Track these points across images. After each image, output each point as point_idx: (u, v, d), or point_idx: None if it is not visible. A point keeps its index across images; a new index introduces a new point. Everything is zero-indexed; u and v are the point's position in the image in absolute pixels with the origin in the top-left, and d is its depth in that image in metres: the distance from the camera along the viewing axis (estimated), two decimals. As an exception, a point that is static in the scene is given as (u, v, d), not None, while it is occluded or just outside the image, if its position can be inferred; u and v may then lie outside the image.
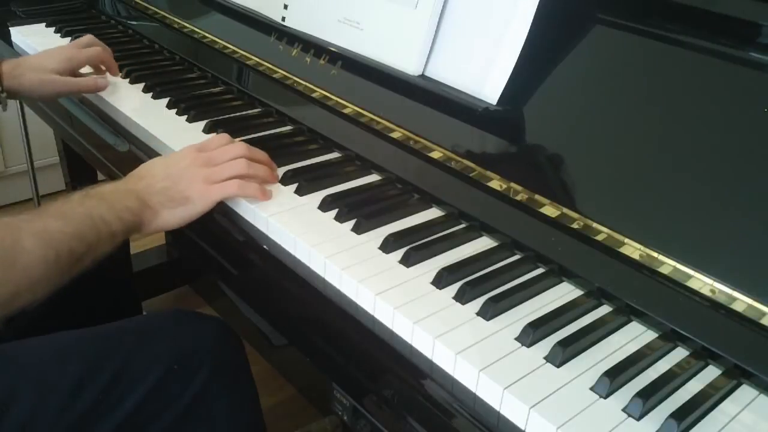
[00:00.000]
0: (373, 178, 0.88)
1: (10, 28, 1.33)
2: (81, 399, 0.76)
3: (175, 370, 0.82)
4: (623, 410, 0.56)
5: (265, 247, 0.77)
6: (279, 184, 0.84)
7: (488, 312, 0.64)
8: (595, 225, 0.69)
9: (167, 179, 0.79)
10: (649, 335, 0.64)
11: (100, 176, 1.67)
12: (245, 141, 0.92)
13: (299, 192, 0.82)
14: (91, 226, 0.72)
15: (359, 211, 0.78)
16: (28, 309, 0.68)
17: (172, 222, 0.79)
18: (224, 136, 0.86)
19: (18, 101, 1.82)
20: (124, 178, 0.81)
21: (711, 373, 0.60)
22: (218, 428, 0.86)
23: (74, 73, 1.06)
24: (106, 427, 0.78)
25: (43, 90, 1.03)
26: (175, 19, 1.24)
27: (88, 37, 1.10)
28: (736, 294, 0.60)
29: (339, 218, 0.77)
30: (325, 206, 0.79)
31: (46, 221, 0.70)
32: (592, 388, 0.57)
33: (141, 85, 1.10)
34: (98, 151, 1.09)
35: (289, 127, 1.00)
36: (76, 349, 0.81)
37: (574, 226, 0.70)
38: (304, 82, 0.99)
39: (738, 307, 0.60)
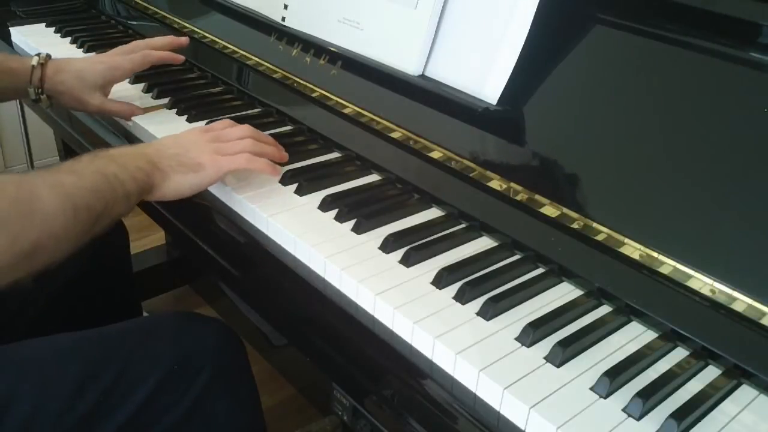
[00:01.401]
0: (373, 178, 0.88)
1: (10, 28, 1.33)
2: (82, 400, 0.76)
3: (177, 372, 0.82)
4: (623, 410, 0.56)
5: (265, 247, 0.77)
6: (279, 184, 0.84)
7: (488, 312, 0.64)
8: (595, 225, 0.69)
9: (178, 147, 0.80)
10: (649, 335, 0.64)
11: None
12: (245, 141, 0.92)
13: (299, 192, 0.82)
14: (106, 183, 0.71)
15: (359, 211, 0.78)
16: (52, 269, 0.67)
17: (183, 187, 0.79)
18: (228, 121, 0.87)
19: (18, 102, 1.82)
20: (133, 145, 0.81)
21: (711, 373, 0.60)
22: (219, 430, 0.86)
23: (117, 81, 1.02)
24: (107, 429, 0.77)
25: (78, 107, 1.01)
26: (175, 19, 1.24)
27: (133, 44, 1.04)
28: (736, 294, 0.60)
29: (339, 218, 0.77)
30: (325, 206, 0.79)
31: (61, 176, 0.69)
32: (592, 388, 0.57)
33: (141, 86, 1.10)
34: (98, 151, 1.09)
35: (289, 127, 1.00)
36: (77, 350, 0.81)
37: (574, 226, 0.70)
38: (304, 82, 0.99)
39: (738, 307, 0.60)
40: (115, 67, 1.00)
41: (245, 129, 0.84)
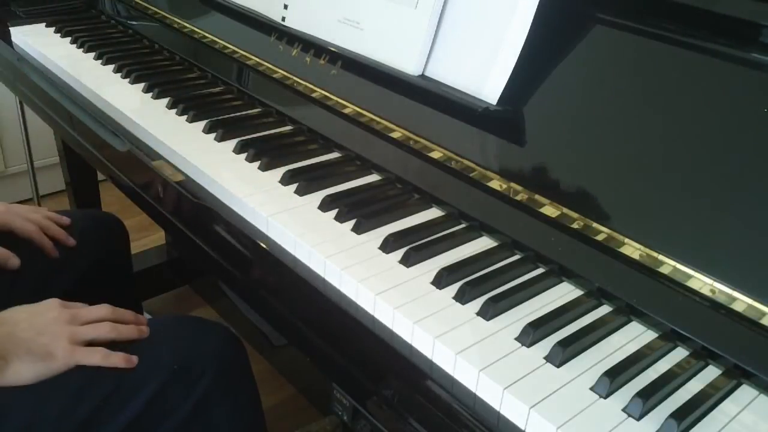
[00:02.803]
0: (373, 178, 0.88)
1: (10, 28, 1.33)
2: (81, 405, 0.76)
3: (177, 376, 0.82)
4: (623, 410, 0.56)
5: (265, 247, 0.77)
6: (279, 184, 0.84)
7: (488, 312, 0.64)
8: (595, 225, 0.69)
9: (30, 330, 0.76)
10: (649, 335, 0.64)
11: (100, 176, 1.67)
12: (245, 141, 0.93)
13: (299, 192, 0.82)
14: None
15: (359, 211, 0.78)
16: None
17: (24, 377, 0.74)
18: (86, 307, 0.84)
19: (18, 101, 1.82)
20: None
21: (711, 373, 0.60)
22: (219, 433, 0.85)
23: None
24: (108, 433, 0.77)
25: None
26: (175, 19, 1.24)
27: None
28: (736, 294, 0.60)
29: (339, 218, 0.77)
30: (325, 206, 0.79)
31: None
32: (592, 388, 0.57)
33: (141, 85, 1.10)
34: (98, 151, 1.09)
35: (289, 127, 1.00)
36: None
37: (574, 226, 0.70)
38: (304, 82, 0.99)
39: (738, 307, 0.60)
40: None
41: (103, 310, 0.82)
